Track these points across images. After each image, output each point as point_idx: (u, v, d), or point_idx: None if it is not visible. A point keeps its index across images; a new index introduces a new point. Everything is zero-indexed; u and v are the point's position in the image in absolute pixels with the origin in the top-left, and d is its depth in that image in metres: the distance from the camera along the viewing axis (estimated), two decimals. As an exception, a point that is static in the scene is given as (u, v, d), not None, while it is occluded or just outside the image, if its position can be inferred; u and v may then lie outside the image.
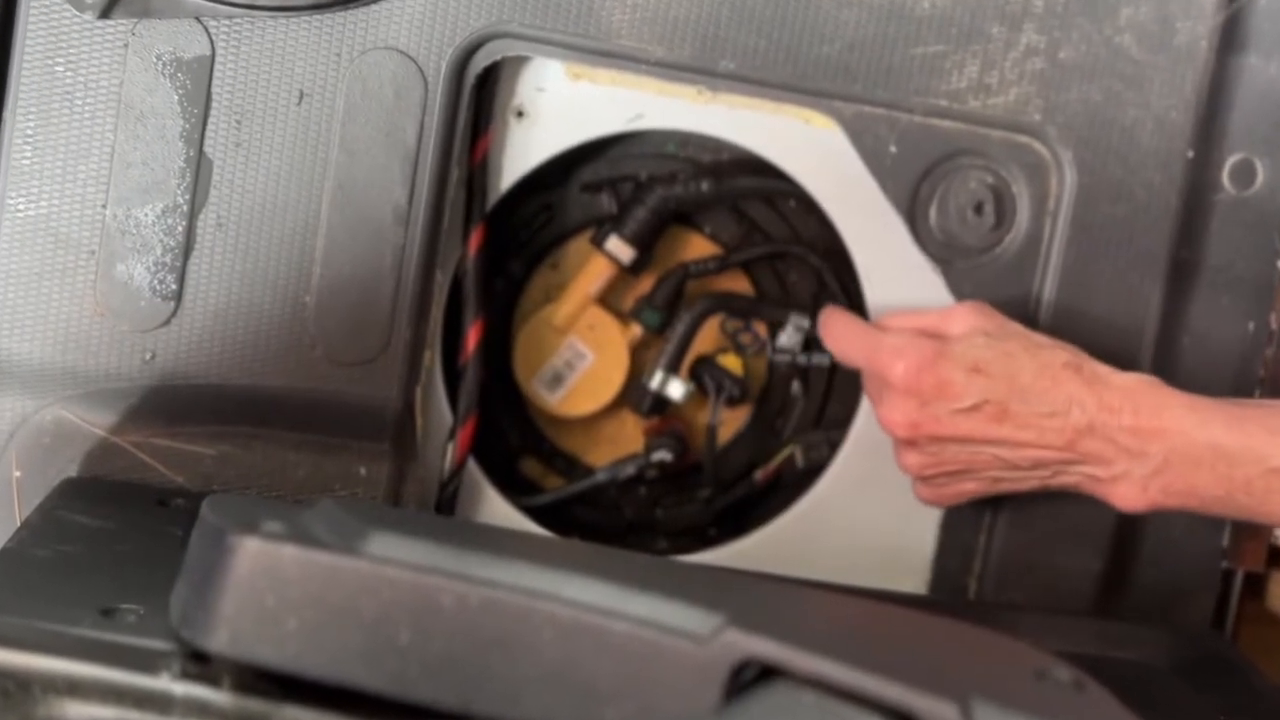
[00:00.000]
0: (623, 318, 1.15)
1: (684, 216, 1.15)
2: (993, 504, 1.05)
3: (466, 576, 0.63)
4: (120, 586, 0.75)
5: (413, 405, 1.03)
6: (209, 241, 0.98)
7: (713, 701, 0.61)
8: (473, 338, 1.05)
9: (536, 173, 1.07)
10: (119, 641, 0.67)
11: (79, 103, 0.96)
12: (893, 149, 1.03)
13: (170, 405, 0.98)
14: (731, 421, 1.19)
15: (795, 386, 1.18)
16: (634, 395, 1.15)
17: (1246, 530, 1.07)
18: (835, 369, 1.15)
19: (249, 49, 0.97)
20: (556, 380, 1.14)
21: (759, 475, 1.15)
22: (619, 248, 1.11)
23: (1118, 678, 0.71)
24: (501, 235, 1.12)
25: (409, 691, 0.63)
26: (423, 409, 1.04)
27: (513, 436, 1.17)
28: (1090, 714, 0.65)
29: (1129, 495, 0.94)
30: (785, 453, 1.14)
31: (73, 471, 0.97)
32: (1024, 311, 1.03)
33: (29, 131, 0.96)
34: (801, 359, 1.14)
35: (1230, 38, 1.02)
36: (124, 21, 0.96)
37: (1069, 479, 0.97)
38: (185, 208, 0.98)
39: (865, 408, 1.07)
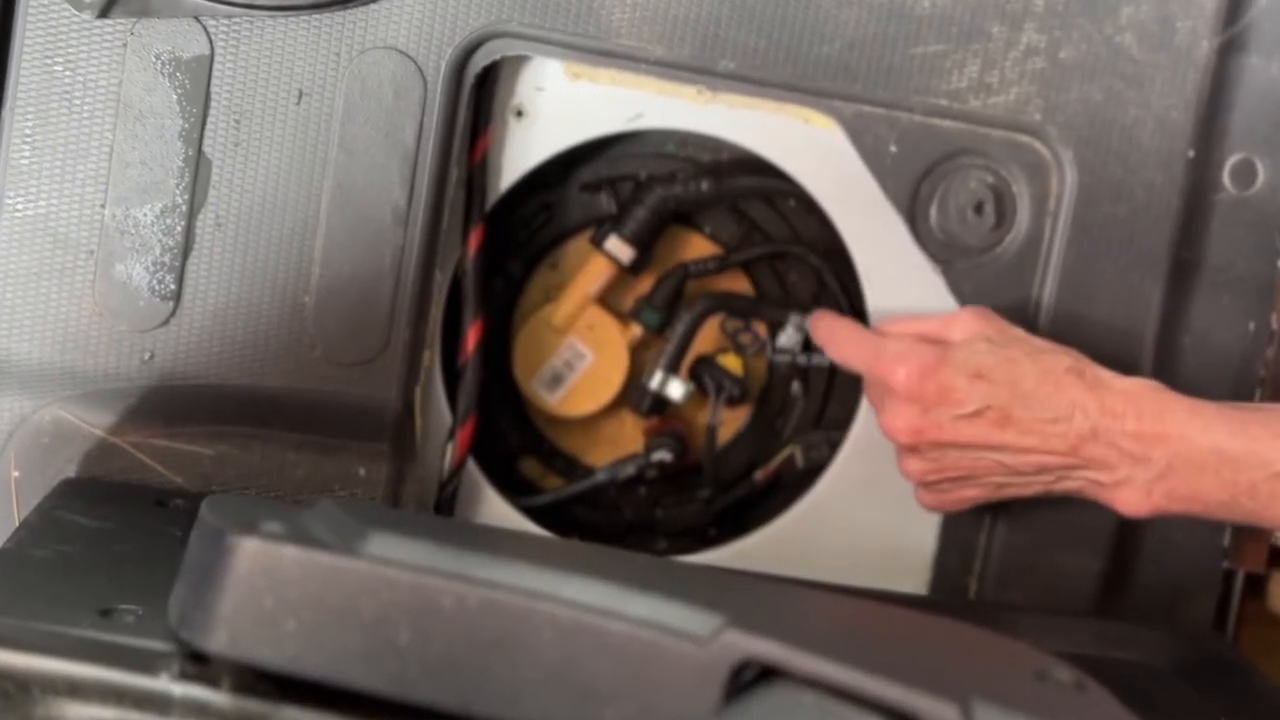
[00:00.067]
0: (622, 318, 1.15)
1: (684, 216, 1.15)
2: (993, 505, 1.05)
3: (466, 577, 0.63)
4: (119, 587, 0.75)
5: (412, 405, 1.03)
6: (208, 241, 0.98)
7: (713, 702, 0.61)
8: (472, 338, 1.05)
9: (536, 172, 1.07)
10: (118, 642, 0.67)
11: (78, 102, 0.96)
12: (893, 148, 1.03)
13: (169, 405, 0.98)
14: (731, 421, 1.19)
15: (795, 386, 1.18)
16: (634, 395, 1.15)
17: (1247, 531, 1.07)
18: (835, 369, 1.15)
19: (248, 48, 0.97)
20: (556, 380, 1.14)
21: (759, 475, 1.15)
22: (618, 247, 1.11)
23: (1118, 678, 0.70)
24: (501, 235, 1.12)
25: (408, 692, 0.63)
26: (422, 409, 1.04)
27: (512, 437, 1.17)
28: (1091, 715, 0.65)
29: (1132, 500, 0.94)
30: (785, 453, 1.14)
31: (71, 472, 0.97)
32: (1024, 311, 1.03)
33: (27, 131, 0.96)
34: (801, 359, 1.14)
35: (1231, 37, 1.02)
36: (123, 21, 0.96)
37: (1072, 484, 0.97)
38: (184, 207, 0.98)
39: (865, 408, 1.07)
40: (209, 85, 0.97)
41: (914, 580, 1.08)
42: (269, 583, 0.63)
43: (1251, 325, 1.05)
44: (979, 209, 1.04)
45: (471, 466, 1.07)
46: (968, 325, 0.98)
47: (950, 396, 0.95)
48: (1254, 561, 1.08)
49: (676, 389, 1.13)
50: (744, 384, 1.15)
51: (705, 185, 1.10)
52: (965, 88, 1.02)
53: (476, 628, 0.63)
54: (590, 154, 1.12)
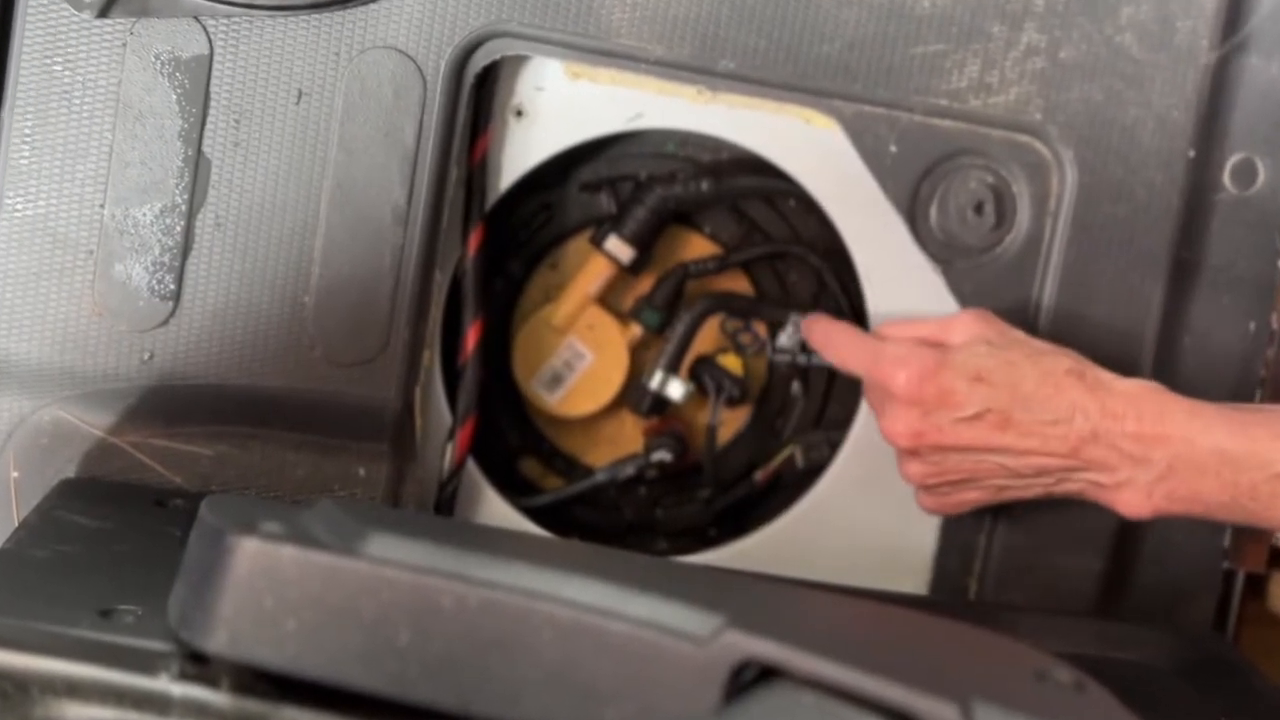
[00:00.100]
0: (622, 318, 1.15)
1: (684, 216, 1.15)
2: (994, 506, 1.05)
3: (466, 577, 0.63)
4: (118, 587, 0.75)
5: (412, 405, 1.03)
6: (207, 241, 0.98)
7: (712, 702, 0.61)
8: (472, 338, 1.05)
9: (536, 172, 1.07)
10: (117, 642, 0.67)
11: (77, 102, 0.96)
12: (893, 148, 1.03)
13: (168, 405, 0.98)
14: (731, 421, 1.18)
15: (795, 386, 1.17)
16: (633, 395, 1.15)
17: (1248, 531, 1.07)
18: (835, 369, 1.15)
19: (247, 48, 0.97)
20: (556, 380, 1.14)
21: (759, 475, 1.15)
22: (618, 247, 1.11)
23: (1118, 679, 0.70)
24: (501, 235, 1.12)
25: (408, 692, 0.63)
26: (422, 409, 1.04)
27: (512, 437, 1.17)
28: (1091, 715, 0.65)
29: (1133, 502, 0.94)
30: (785, 453, 1.14)
31: (71, 472, 0.97)
32: (1024, 312, 1.03)
33: (27, 131, 0.96)
34: (801, 359, 1.13)
35: (1230, 36, 1.02)
36: (122, 21, 0.96)
37: (1073, 486, 0.97)
38: (183, 207, 0.98)
39: (865, 408, 1.07)
40: (208, 85, 0.97)
41: (914, 580, 1.08)
42: (269, 583, 0.63)
43: (1252, 325, 1.05)
44: (979, 209, 1.04)
45: (471, 467, 1.07)
46: (967, 328, 0.98)
47: (950, 400, 0.95)
48: (1254, 562, 1.08)
49: (676, 389, 1.13)
50: (744, 384, 1.15)
51: (705, 185, 1.10)
52: (965, 87, 1.02)
53: (476, 628, 0.63)
54: (590, 154, 1.12)
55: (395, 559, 0.64)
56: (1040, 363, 0.95)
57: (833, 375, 1.16)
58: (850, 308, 1.13)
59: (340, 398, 1.00)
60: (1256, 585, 1.13)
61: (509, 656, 0.62)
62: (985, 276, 1.05)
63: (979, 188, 1.04)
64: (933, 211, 1.04)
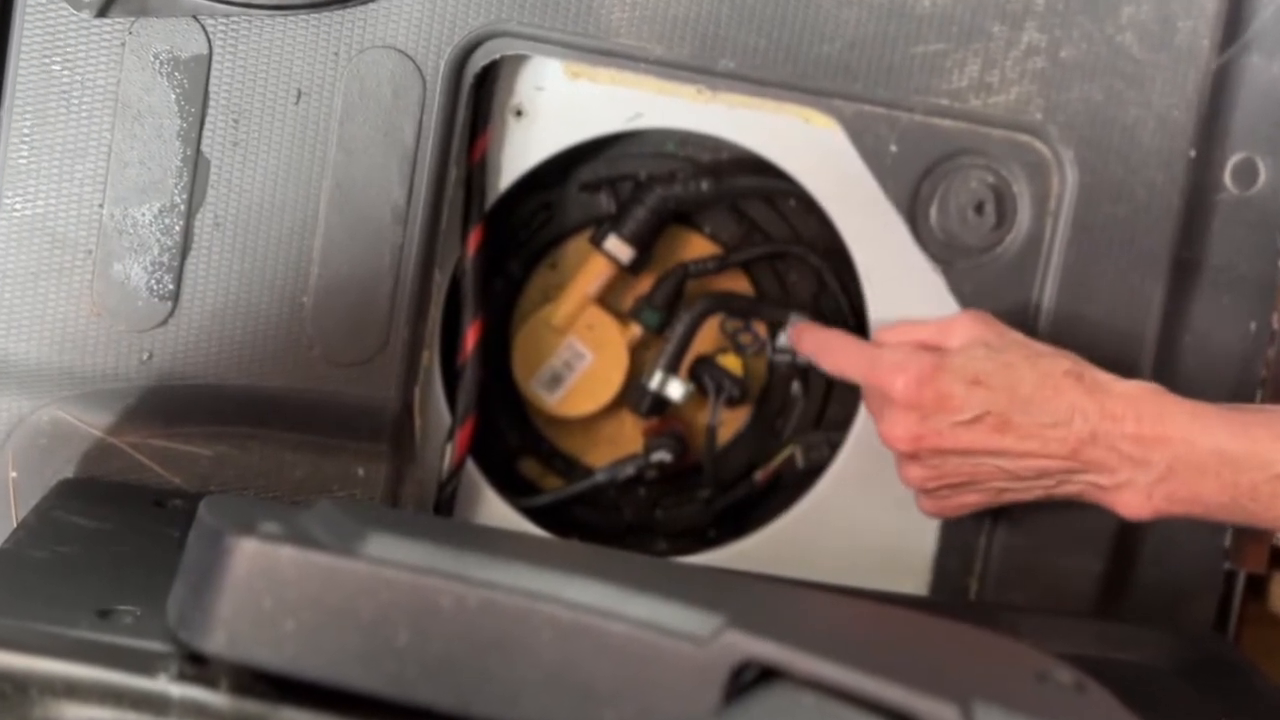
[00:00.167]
0: (622, 318, 1.14)
1: (683, 216, 1.15)
2: (993, 507, 1.05)
3: (465, 578, 0.63)
4: (117, 588, 0.75)
5: (411, 406, 1.03)
6: (206, 241, 0.98)
7: (712, 703, 0.61)
8: (471, 338, 1.05)
9: (535, 172, 1.07)
10: (116, 643, 0.67)
11: (76, 102, 0.96)
12: (893, 148, 1.03)
13: (167, 406, 0.98)
14: (731, 422, 1.18)
15: (795, 387, 1.17)
16: (633, 395, 1.14)
17: (1248, 531, 1.07)
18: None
19: (246, 48, 0.97)
20: (555, 380, 1.14)
21: (759, 476, 1.15)
22: (618, 247, 1.11)
23: (1119, 679, 0.70)
24: (500, 235, 1.12)
25: (407, 693, 0.63)
26: (421, 409, 1.04)
27: (511, 437, 1.17)
28: (1091, 716, 0.65)
29: (1133, 503, 0.94)
30: (785, 453, 1.14)
31: (69, 472, 0.97)
32: (1024, 312, 1.03)
33: (26, 131, 0.96)
34: (801, 359, 1.13)
35: (1232, 37, 1.02)
36: (121, 20, 0.95)
37: (1073, 488, 0.96)
38: (182, 207, 0.97)
39: (865, 409, 1.07)
40: (207, 84, 0.97)
41: (914, 581, 1.08)
42: (267, 583, 0.63)
43: (1253, 325, 1.05)
44: (979, 209, 1.04)
45: (471, 467, 1.07)
46: (965, 330, 0.98)
47: (948, 403, 0.95)
48: (1255, 562, 1.08)
49: (676, 389, 1.13)
50: (744, 384, 1.15)
51: (705, 185, 1.10)
52: (966, 87, 1.02)
53: (475, 628, 0.62)
54: (590, 153, 1.12)
55: (394, 559, 0.64)
56: (1039, 365, 0.95)
57: (832, 376, 1.16)
58: (850, 308, 1.13)
59: (339, 398, 1.00)
60: (1257, 586, 1.13)
61: (508, 657, 0.62)
62: (985, 276, 1.05)
63: (979, 187, 1.04)
64: (933, 211, 1.04)
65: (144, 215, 0.97)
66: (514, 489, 1.11)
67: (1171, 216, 1.03)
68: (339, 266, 0.99)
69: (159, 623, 0.68)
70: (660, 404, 1.14)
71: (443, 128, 0.99)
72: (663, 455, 1.13)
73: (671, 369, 1.13)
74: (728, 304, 1.15)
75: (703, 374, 1.15)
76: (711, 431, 1.15)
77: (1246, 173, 1.03)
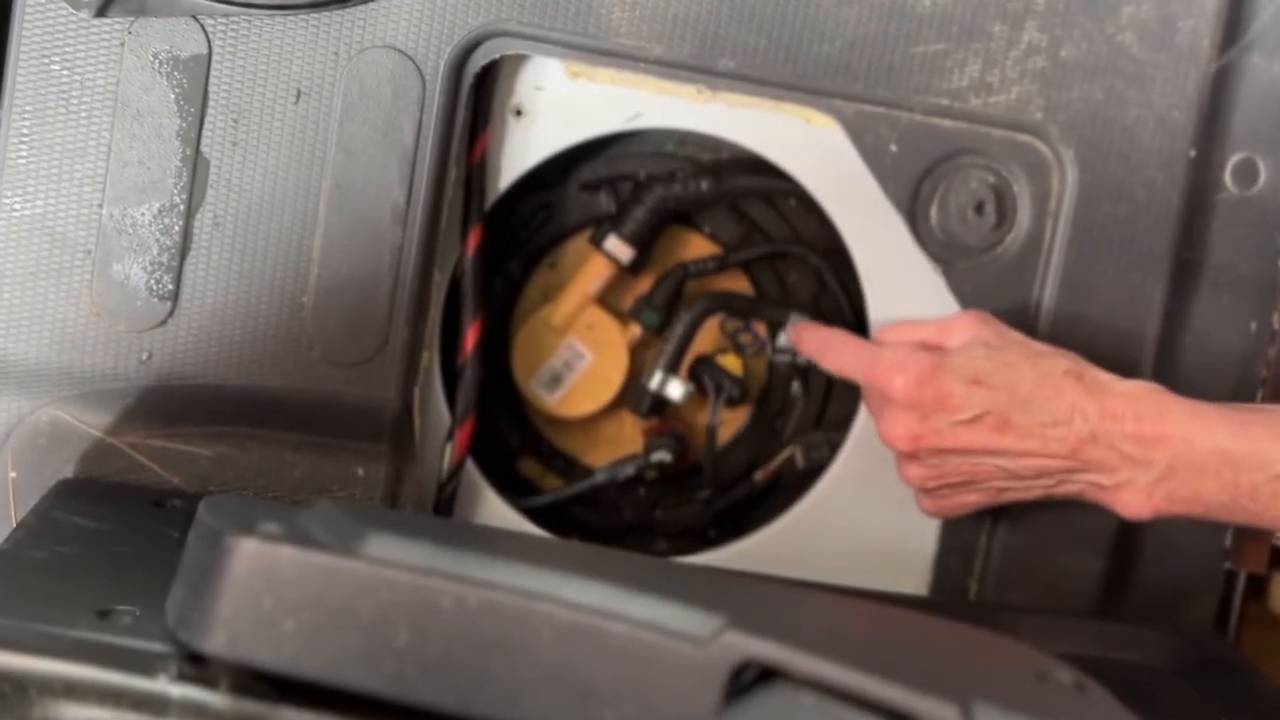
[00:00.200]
0: (622, 318, 1.14)
1: (683, 216, 1.15)
2: (993, 507, 1.05)
3: (465, 578, 0.63)
4: (117, 588, 0.75)
5: (411, 406, 1.02)
6: (206, 241, 0.98)
7: (712, 703, 0.61)
8: (471, 338, 1.05)
9: (535, 172, 1.07)
10: (115, 643, 0.67)
11: (75, 101, 0.96)
12: (893, 148, 1.03)
13: (167, 406, 0.98)
14: (731, 422, 1.18)
15: (795, 387, 1.17)
16: (633, 396, 1.14)
17: (1249, 532, 1.07)
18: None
19: (246, 47, 0.97)
20: (555, 380, 1.14)
21: (759, 476, 1.15)
22: (618, 247, 1.11)
23: (1119, 679, 0.70)
24: (500, 235, 1.11)
25: (407, 693, 0.63)
26: (421, 409, 1.03)
27: (511, 437, 1.17)
28: (1091, 716, 0.65)
29: (1133, 503, 0.94)
30: (785, 453, 1.14)
31: (69, 472, 0.96)
32: (1025, 312, 1.03)
33: (25, 130, 0.96)
34: (801, 359, 1.13)
35: (1233, 37, 1.02)
36: (120, 20, 0.95)
37: (1073, 488, 0.96)
38: (182, 207, 0.97)
39: (865, 409, 1.07)
40: (207, 84, 0.97)
41: (914, 581, 1.08)
42: (267, 584, 0.63)
43: (1253, 325, 1.04)
44: (979, 209, 1.04)
45: (470, 467, 1.07)
46: (965, 330, 0.98)
47: (948, 403, 0.95)
48: (1255, 562, 1.08)
49: (676, 389, 1.13)
50: (744, 384, 1.15)
51: (705, 185, 1.10)
52: (966, 87, 1.01)
53: (475, 628, 0.62)
54: (589, 153, 1.12)
55: (394, 559, 0.64)
56: (1039, 364, 0.95)
57: (833, 376, 1.16)
58: (850, 308, 1.13)
59: (339, 398, 1.00)
60: (1258, 586, 1.13)
61: (508, 657, 0.62)
62: (986, 276, 1.05)
63: (979, 187, 1.04)
64: (933, 211, 1.04)
65: (143, 215, 0.97)
66: (514, 489, 1.11)
67: (1172, 216, 1.03)
68: (339, 266, 0.99)
69: (158, 623, 0.68)
70: (660, 404, 1.14)
71: (442, 127, 0.99)
72: (663, 455, 1.13)
73: (671, 369, 1.13)
74: (728, 304, 1.15)
75: (703, 374, 1.15)
76: (711, 432, 1.15)
77: (1247, 173, 1.03)
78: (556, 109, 1.05)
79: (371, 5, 0.97)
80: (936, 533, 1.07)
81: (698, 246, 1.16)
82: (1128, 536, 1.06)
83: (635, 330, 1.14)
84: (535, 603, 0.62)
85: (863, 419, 1.08)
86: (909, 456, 0.99)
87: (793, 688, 0.61)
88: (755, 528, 1.10)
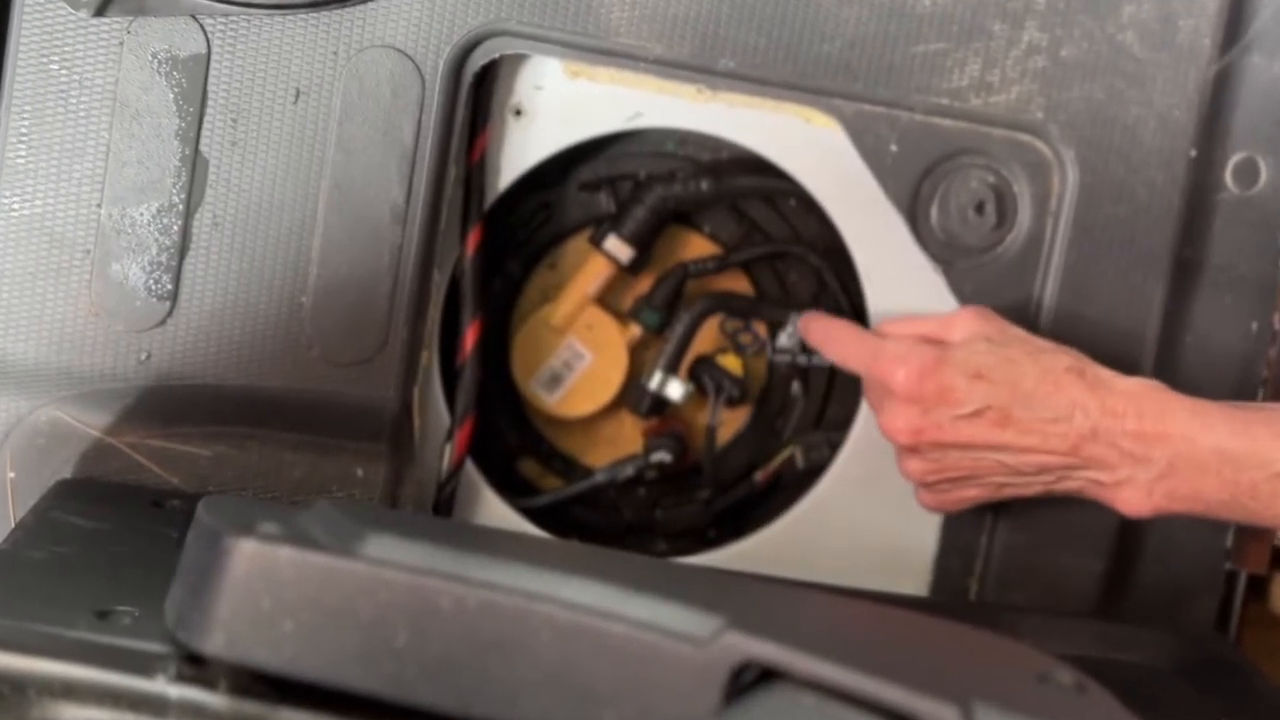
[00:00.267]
0: (621, 318, 1.14)
1: (683, 216, 1.15)
2: (994, 505, 1.04)
3: (464, 578, 0.63)
4: (115, 588, 0.75)
5: (410, 406, 1.02)
6: (205, 241, 0.98)
7: (712, 704, 0.61)
8: (470, 338, 1.05)
9: (534, 171, 1.06)
10: (114, 644, 0.67)
11: (74, 101, 0.96)
12: (893, 148, 1.03)
13: (166, 406, 0.98)
14: (731, 422, 1.18)
15: (795, 387, 1.17)
16: (633, 396, 1.14)
17: (1250, 532, 1.07)
18: (836, 369, 1.15)
19: (245, 47, 0.97)
20: (555, 381, 1.14)
21: (759, 476, 1.15)
22: (618, 247, 1.11)
23: (1120, 680, 0.70)
24: (499, 234, 1.11)
25: (406, 694, 0.63)
26: (420, 409, 1.03)
27: (511, 437, 1.17)
28: (1092, 716, 0.65)
29: (1133, 500, 0.94)
30: (785, 453, 1.14)
31: (68, 473, 0.96)
32: (1025, 312, 1.03)
33: (23, 130, 0.96)
34: (801, 359, 1.13)
35: (1234, 36, 1.02)
36: (119, 19, 0.95)
37: (1073, 484, 0.96)
38: (181, 207, 0.97)
39: (865, 408, 1.07)
40: (206, 84, 0.97)
41: (915, 581, 1.08)
42: (266, 584, 0.63)
43: (1254, 325, 1.04)
44: (980, 208, 1.04)
45: (470, 467, 1.07)
46: (967, 325, 0.98)
47: (950, 397, 0.95)
48: (1256, 563, 1.08)
49: (676, 389, 1.13)
50: (744, 384, 1.15)
51: (705, 184, 1.10)
52: (966, 86, 1.01)
53: (475, 629, 0.62)
54: (589, 153, 1.12)
55: (393, 560, 0.64)
56: (1040, 360, 0.95)
57: (833, 376, 1.16)
58: (850, 307, 1.13)
59: (338, 398, 1.00)
60: (1258, 586, 1.13)
61: (507, 658, 0.62)
62: (986, 276, 1.05)
63: (980, 187, 1.04)
64: (933, 211, 1.04)
65: (142, 215, 0.97)
66: (513, 489, 1.11)
67: (1172, 216, 1.03)
68: (338, 266, 0.99)
69: (157, 623, 0.68)
70: (660, 404, 1.14)
71: (442, 127, 0.99)
72: (662, 455, 1.13)
73: (671, 369, 1.13)
74: (728, 304, 1.15)
75: (702, 374, 1.15)
76: (711, 432, 1.15)
77: (1247, 172, 1.03)
78: (556, 108, 1.05)
79: (371, 5, 0.97)
80: (937, 533, 1.07)
81: (698, 246, 1.16)
82: (1128, 537, 1.06)
83: (635, 330, 1.14)
84: (535, 603, 0.62)
85: (863, 419, 1.08)
86: (909, 450, 0.98)
87: (793, 688, 0.61)
88: (755, 528, 1.10)
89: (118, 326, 0.97)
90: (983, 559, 1.07)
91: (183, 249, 0.98)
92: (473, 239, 1.04)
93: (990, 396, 0.94)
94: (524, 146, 1.06)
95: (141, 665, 0.64)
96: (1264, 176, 1.03)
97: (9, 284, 0.96)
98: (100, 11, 0.94)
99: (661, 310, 1.13)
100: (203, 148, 0.97)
